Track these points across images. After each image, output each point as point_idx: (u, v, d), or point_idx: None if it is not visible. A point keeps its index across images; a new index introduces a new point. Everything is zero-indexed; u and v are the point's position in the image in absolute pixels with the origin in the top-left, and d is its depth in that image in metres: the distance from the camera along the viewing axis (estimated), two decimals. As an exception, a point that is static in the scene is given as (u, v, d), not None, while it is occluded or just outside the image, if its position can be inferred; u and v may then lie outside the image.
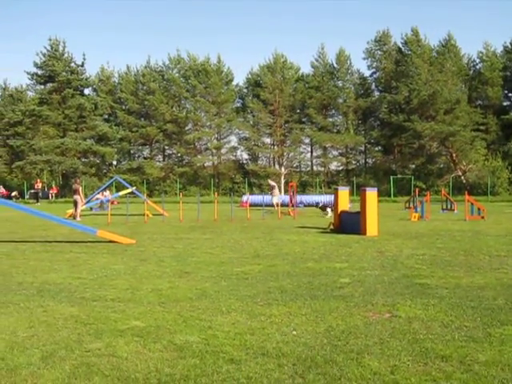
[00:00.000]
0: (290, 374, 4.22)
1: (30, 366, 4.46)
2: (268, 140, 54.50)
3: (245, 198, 32.99)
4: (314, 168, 55.05)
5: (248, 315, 6.02)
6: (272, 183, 28.82)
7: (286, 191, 42.62)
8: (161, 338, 5.19)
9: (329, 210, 22.59)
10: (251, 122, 53.22)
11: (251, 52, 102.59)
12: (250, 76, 55.18)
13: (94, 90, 57.25)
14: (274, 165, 53.22)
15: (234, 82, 55.14)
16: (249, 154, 55.48)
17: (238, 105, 55.37)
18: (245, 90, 55.56)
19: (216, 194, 33.25)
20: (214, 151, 53.92)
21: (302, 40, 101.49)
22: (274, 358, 4.60)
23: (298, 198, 29.91)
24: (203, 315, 6.02)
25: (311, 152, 54.92)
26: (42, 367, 4.44)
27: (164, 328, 5.52)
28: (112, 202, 25.35)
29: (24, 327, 5.63)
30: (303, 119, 52.69)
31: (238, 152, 55.71)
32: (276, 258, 10.47)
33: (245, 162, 55.07)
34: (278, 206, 23.93)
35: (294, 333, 5.34)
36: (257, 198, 32.61)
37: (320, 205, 25.28)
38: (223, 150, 54.63)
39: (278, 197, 26.91)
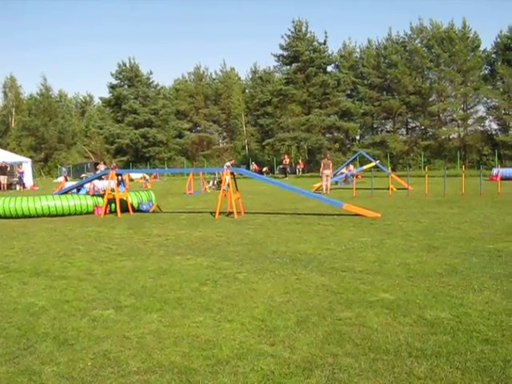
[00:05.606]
0: (558, 362, 3.89)
1: (287, 329, 4.77)
2: (520, 108, 50.03)
3: (495, 170, 30.99)
4: None
5: (503, 295, 5.67)
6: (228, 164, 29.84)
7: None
8: (410, 311, 5.16)
9: None
10: (501, 90, 49.30)
11: (499, 13, 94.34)
12: (498, 40, 50.89)
13: (337, 66, 58.24)
14: (528, 135, 48.82)
15: (482, 48, 51.43)
16: (498, 124, 51.63)
17: (486, 72, 51.61)
18: (493, 56, 51.44)
19: (463, 167, 31.69)
20: (460, 122, 51.10)
21: None
22: (535, 341, 4.29)
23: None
24: (454, 292, 5.84)
25: None
26: (297, 331, 4.72)
27: (413, 302, 5.48)
28: (356, 176, 25.68)
29: (279, 293, 6.04)
30: None
31: (487, 122, 52.14)
32: (534, 235, 9.66)
33: (494, 132, 51.31)
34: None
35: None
36: (508, 170, 30.63)
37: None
38: (470, 121, 51.45)
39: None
